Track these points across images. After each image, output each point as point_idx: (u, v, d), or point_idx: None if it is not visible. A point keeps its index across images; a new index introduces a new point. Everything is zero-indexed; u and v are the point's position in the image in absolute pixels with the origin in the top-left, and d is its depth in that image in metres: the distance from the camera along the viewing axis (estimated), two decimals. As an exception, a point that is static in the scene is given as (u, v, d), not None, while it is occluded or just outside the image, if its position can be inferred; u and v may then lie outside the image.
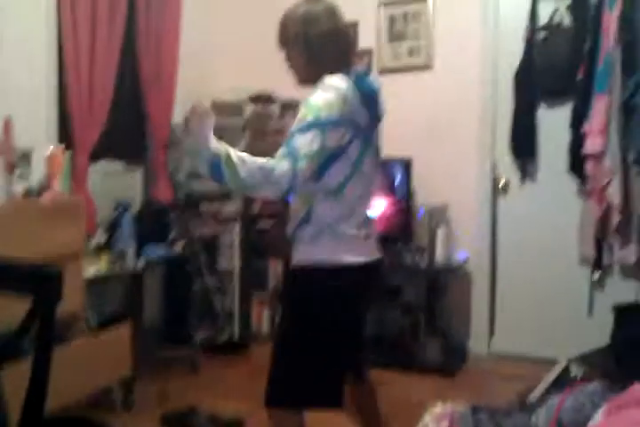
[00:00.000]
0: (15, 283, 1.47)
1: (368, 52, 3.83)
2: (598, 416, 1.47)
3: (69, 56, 2.94)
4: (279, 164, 1.57)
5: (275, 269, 3.93)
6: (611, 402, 1.47)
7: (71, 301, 2.39)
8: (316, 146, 1.60)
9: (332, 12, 1.79)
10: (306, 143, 1.60)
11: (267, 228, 3.89)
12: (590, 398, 1.66)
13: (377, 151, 1.85)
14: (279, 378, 1.76)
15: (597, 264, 3.32)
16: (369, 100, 1.74)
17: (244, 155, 1.59)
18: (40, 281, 1.43)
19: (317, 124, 1.62)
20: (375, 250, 1.85)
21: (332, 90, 1.67)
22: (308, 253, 1.75)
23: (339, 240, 1.73)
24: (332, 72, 1.72)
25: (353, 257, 1.73)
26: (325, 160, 1.67)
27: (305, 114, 1.64)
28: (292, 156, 1.58)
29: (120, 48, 3.27)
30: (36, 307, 1.46)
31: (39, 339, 1.47)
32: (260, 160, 1.58)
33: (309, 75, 1.79)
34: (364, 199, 1.82)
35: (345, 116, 1.66)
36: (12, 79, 2.79)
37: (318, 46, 1.76)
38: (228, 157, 1.57)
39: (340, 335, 1.76)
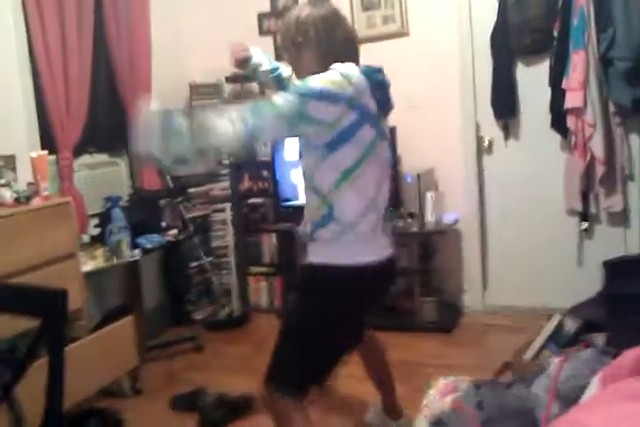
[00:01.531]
0: (24, 305, 1.52)
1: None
2: (594, 385, 1.54)
3: (41, 57, 2.87)
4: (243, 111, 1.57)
5: (268, 243, 3.97)
6: (605, 370, 1.53)
7: (73, 299, 2.41)
8: (286, 108, 1.58)
9: (334, 15, 1.80)
10: (275, 103, 1.59)
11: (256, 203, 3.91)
12: (586, 364, 1.73)
13: (388, 143, 1.86)
14: (280, 360, 1.81)
15: (584, 215, 3.39)
16: (379, 92, 1.74)
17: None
18: (47, 303, 1.47)
19: (299, 91, 1.62)
20: (387, 247, 1.87)
21: (334, 72, 1.67)
22: (326, 254, 1.77)
23: (357, 240, 1.75)
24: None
25: (368, 257, 1.77)
26: (334, 139, 1.66)
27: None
28: (254, 111, 1.58)
29: (92, 42, 3.20)
30: (45, 327, 1.50)
31: (51, 354, 1.51)
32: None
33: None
34: (381, 186, 1.80)
35: (347, 94, 1.64)
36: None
37: (329, 46, 1.77)
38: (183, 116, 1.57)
39: (344, 331, 1.81)
